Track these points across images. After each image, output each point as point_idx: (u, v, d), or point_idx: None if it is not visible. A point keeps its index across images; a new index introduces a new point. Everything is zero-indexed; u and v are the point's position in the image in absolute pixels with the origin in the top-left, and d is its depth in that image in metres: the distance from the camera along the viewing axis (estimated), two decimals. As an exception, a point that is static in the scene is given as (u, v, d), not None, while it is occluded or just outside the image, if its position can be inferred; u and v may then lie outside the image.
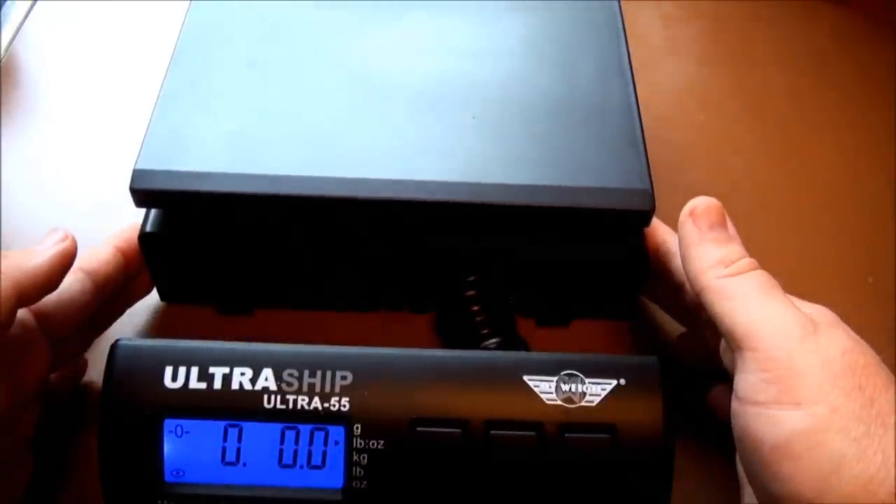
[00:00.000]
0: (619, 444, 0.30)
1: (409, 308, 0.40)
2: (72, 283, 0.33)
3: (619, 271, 0.38)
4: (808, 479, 0.26)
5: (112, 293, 0.36)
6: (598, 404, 0.30)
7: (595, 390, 0.30)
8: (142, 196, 0.35)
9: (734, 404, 0.29)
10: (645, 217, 0.35)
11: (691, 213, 0.32)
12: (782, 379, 0.27)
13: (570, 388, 0.30)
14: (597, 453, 0.30)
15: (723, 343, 0.32)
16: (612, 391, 0.30)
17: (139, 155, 0.35)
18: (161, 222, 0.36)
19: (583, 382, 0.30)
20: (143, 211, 0.37)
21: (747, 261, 0.31)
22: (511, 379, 0.30)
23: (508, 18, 0.43)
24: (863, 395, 0.26)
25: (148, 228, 0.36)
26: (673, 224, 0.36)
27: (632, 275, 0.38)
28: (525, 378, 0.30)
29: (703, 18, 0.58)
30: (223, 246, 0.37)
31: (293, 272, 0.38)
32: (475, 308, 0.37)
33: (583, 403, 0.30)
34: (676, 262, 0.35)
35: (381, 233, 0.36)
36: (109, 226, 0.37)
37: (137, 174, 0.35)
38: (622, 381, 0.30)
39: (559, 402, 0.30)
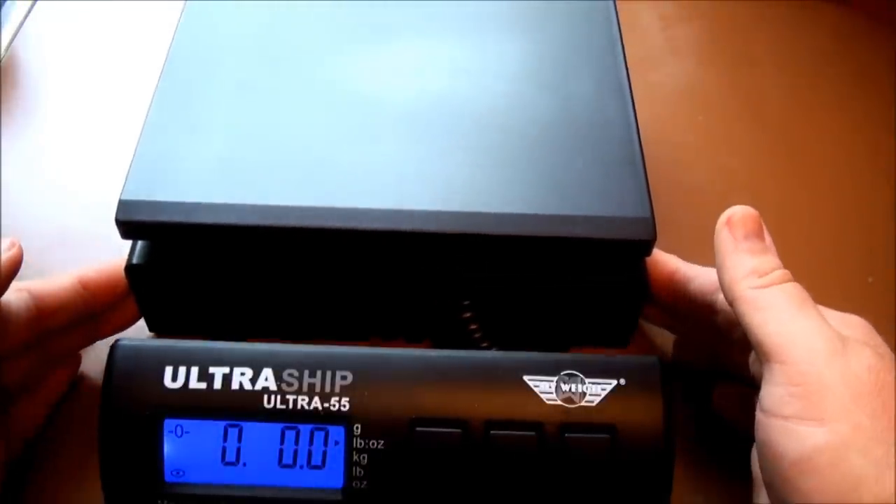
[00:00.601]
0: (619, 444, 0.30)
1: (405, 338, 0.39)
2: (12, 299, 0.33)
3: (619, 301, 0.37)
4: (827, 496, 0.26)
5: (64, 322, 0.35)
6: (598, 404, 0.30)
7: (595, 390, 0.30)
8: (128, 228, 0.34)
9: (759, 415, 0.29)
10: (646, 247, 0.34)
11: (727, 222, 0.31)
12: (809, 394, 0.27)
13: (570, 388, 0.30)
14: (597, 453, 0.29)
15: (752, 355, 0.31)
16: (612, 391, 0.30)
17: (124, 185, 0.34)
18: (148, 253, 0.36)
19: (583, 382, 0.30)
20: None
21: (781, 272, 0.30)
22: (511, 379, 0.30)
23: (502, 38, 0.41)
24: (886, 415, 0.26)
25: (135, 260, 0.35)
26: (672, 224, 0.35)
27: (632, 304, 0.37)
28: (525, 378, 0.30)
29: (702, 18, 0.58)
30: (212, 278, 0.36)
31: (284, 303, 0.38)
32: (473, 326, 0.36)
33: (583, 403, 0.30)
34: (695, 286, 0.35)
35: (375, 263, 0.35)
36: (109, 225, 0.37)
37: (123, 205, 0.34)
38: (622, 381, 0.30)
39: (559, 402, 0.30)
